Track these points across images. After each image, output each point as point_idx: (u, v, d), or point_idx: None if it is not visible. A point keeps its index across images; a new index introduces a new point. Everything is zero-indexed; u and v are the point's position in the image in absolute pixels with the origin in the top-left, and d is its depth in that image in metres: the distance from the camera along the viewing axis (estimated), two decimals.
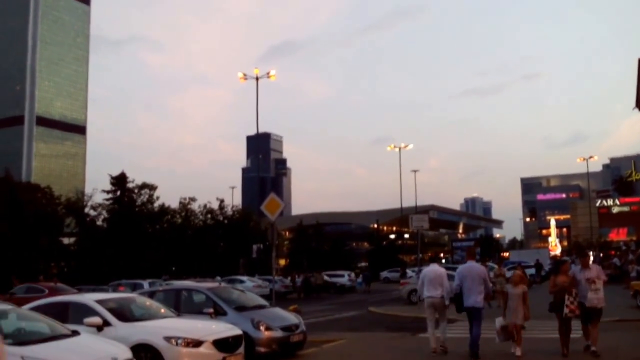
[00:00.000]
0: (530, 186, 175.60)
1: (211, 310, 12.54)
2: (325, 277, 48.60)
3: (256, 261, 62.56)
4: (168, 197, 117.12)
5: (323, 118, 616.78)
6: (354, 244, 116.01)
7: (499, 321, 11.72)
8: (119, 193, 58.08)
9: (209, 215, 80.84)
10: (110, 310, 10.45)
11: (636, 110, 57.28)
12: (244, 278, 44.58)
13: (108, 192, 57.87)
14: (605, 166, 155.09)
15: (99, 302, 10.62)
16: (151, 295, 13.81)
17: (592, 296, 11.15)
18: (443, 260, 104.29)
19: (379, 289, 52.39)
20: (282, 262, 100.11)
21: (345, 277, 50.37)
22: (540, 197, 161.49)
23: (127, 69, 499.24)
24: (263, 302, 14.57)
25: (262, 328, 12.26)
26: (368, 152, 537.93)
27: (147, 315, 11.08)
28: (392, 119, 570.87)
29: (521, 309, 11.36)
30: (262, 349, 12.10)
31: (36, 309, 10.80)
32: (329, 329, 20.07)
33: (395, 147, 72.93)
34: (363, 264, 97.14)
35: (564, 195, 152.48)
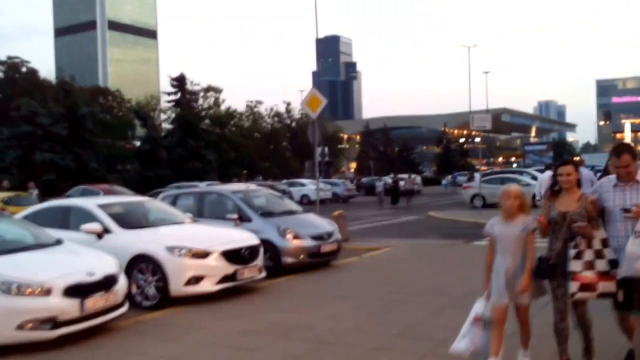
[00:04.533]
0: (605, 89, 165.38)
1: (235, 216, 11.39)
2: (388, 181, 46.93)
3: (322, 164, 61.84)
4: (240, 101, 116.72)
5: (394, 19, 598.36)
6: (424, 148, 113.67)
7: (479, 307, 5.23)
8: (179, 95, 57.78)
9: (276, 119, 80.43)
10: (114, 216, 9.36)
11: None
12: (305, 181, 43.80)
13: (169, 94, 57.71)
14: None
15: (102, 206, 9.52)
16: (175, 199, 12.79)
17: None
18: (515, 165, 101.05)
19: (447, 193, 50.98)
20: (354, 165, 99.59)
21: (404, 182, 48.52)
22: (615, 99, 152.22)
23: None
24: (295, 207, 13.29)
25: (289, 236, 11.02)
26: (441, 53, 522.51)
27: (157, 221, 9.98)
28: (465, 19, 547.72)
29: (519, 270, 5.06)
30: (289, 260, 10.90)
31: (36, 214, 9.96)
32: (381, 235, 18.97)
33: (465, 46, 68.87)
34: (433, 168, 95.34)
35: None
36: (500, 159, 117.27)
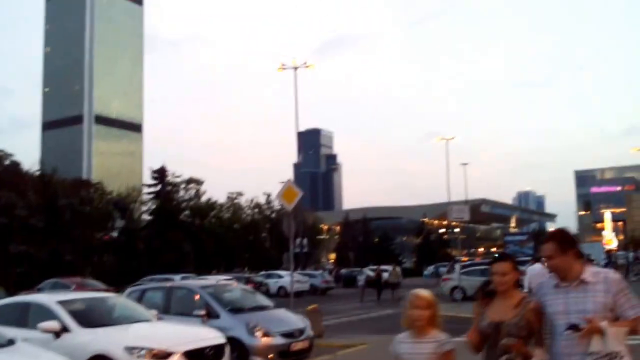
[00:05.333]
0: (584, 179, 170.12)
1: (203, 312, 11.05)
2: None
3: (301, 256, 61.45)
4: (221, 192, 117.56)
5: (374, 112, 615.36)
6: (404, 239, 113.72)
7: None
8: (159, 187, 57.94)
9: (256, 210, 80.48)
10: (74, 313, 9.02)
11: None
12: (283, 272, 43.34)
13: (149, 186, 57.94)
14: None
15: (62, 303, 9.21)
16: (142, 294, 12.45)
17: None
18: (496, 255, 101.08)
19: (424, 284, 50.32)
20: (333, 256, 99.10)
21: (387, 273, 48.03)
22: (594, 189, 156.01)
23: (180, 67, 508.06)
24: (266, 302, 12.94)
25: (258, 334, 10.65)
26: (419, 145, 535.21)
27: (120, 319, 9.65)
28: (443, 112, 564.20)
29: None
30: (257, 359, 10.52)
31: None
32: (358, 330, 18.51)
33: (442, 139, 70.20)
34: (413, 259, 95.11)
35: (619, 188, 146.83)
36: (481, 249, 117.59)
